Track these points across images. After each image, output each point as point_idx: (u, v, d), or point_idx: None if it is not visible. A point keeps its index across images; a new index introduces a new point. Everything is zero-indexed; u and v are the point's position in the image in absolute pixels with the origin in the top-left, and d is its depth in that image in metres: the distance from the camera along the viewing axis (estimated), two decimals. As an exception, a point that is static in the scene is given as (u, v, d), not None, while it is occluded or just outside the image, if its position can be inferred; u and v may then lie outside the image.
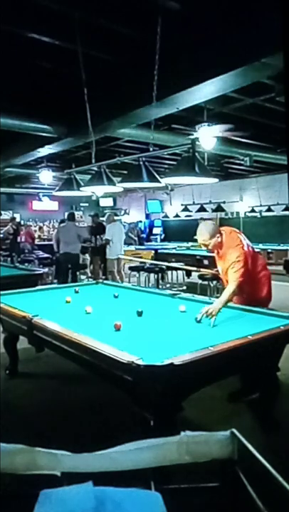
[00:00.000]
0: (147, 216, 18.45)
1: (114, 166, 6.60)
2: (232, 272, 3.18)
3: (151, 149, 4.25)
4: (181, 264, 7.86)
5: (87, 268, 10.38)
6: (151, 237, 17.37)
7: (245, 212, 14.44)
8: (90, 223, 11.43)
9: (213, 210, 14.50)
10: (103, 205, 17.77)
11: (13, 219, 13.66)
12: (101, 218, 10.49)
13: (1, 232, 12.66)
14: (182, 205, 14.74)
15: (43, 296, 4.25)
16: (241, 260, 3.19)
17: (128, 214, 18.47)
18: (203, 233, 3.36)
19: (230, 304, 3.24)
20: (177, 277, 8.77)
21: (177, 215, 15.34)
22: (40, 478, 0.96)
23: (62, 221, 10.70)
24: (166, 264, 7.82)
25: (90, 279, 8.70)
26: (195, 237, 3.58)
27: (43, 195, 16.52)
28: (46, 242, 13.63)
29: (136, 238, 15.21)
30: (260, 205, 13.49)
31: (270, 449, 2.23)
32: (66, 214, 9.98)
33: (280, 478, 0.82)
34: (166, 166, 10.89)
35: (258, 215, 13.59)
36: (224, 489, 1.03)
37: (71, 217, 9.19)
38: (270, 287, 3.57)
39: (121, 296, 4.04)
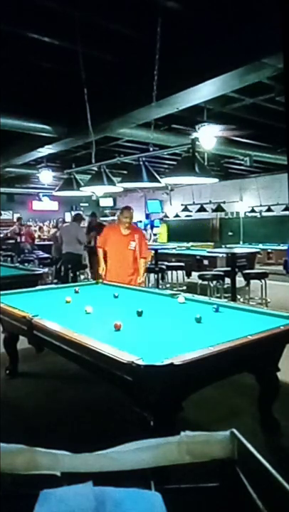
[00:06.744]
0: (147, 216, 18.44)
1: (114, 166, 6.59)
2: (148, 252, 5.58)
3: (151, 149, 4.25)
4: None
5: (87, 268, 10.38)
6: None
7: (245, 212, 14.44)
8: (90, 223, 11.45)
9: (213, 210, 14.50)
10: (103, 205, 17.76)
11: (19, 219, 13.74)
12: (101, 218, 10.49)
13: (8, 231, 12.72)
14: (182, 205, 14.74)
15: (43, 296, 4.24)
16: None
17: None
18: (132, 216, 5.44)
19: (230, 303, 3.28)
20: (177, 277, 8.75)
21: (177, 215, 15.33)
22: (40, 478, 0.96)
23: (62, 221, 10.72)
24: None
25: (90, 279, 8.70)
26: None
27: (43, 195, 16.53)
28: (46, 242, 13.64)
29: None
30: (260, 205, 13.49)
31: (270, 449, 2.24)
32: (72, 214, 10.02)
33: (280, 478, 0.81)
34: (166, 166, 10.89)
35: (257, 215, 13.59)
36: (224, 489, 1.03)
37: (75, 218, 9.30)
38: None
39: (121, 296, 4.04)
